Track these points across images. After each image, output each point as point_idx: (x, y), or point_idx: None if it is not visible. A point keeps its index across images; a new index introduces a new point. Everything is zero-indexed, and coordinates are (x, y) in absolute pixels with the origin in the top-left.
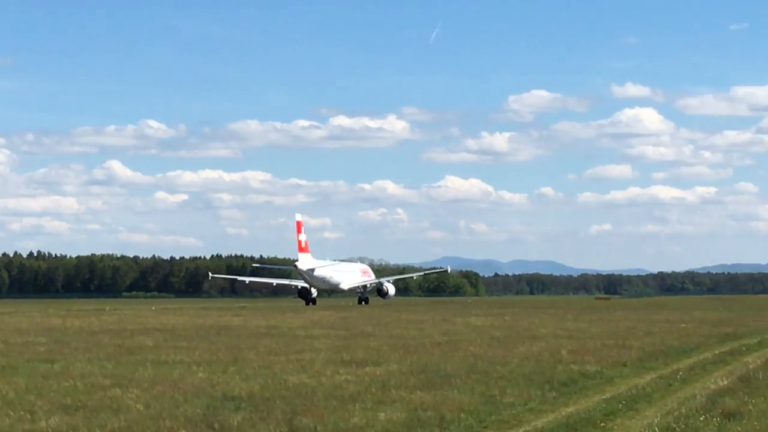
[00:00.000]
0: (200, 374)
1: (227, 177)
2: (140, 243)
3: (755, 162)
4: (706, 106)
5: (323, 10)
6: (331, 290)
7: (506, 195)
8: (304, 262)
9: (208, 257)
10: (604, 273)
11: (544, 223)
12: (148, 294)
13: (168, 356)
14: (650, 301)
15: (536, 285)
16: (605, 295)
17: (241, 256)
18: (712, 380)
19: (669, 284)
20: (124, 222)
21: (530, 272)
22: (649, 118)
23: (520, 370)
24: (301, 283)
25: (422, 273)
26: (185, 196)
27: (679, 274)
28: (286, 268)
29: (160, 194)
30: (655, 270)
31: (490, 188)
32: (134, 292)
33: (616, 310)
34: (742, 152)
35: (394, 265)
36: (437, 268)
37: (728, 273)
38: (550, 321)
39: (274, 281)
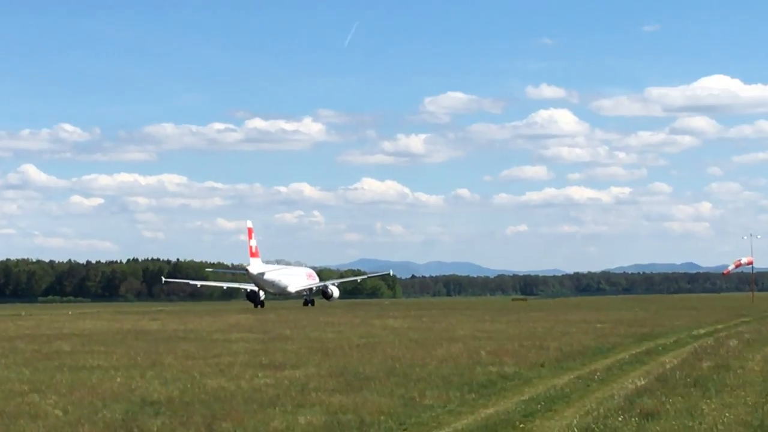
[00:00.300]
0: (118, 379)
1: (143, 180)
2: (56, 247)
3: (669, 162)
4: (621, 108)
5: (238, 12)
6: (279, 293)
7: (423, 197)
8: (255, 266)
9: (124, 261)
10: (521, 274)
11: (460, 225)
12: (65, 298)
13: (86, 361)
14: (566, 301)
15: (453, 286)
16: (522, 296)
17: (158, 259)
18: (630, 380)
19: (585, 284)
20: (40, 226)
21: (447, 274)
22: (564, 119)
23: (439, 372)
24: (250, 287)
25: (366, 276)
26: (101, 200)
27: (594, 274)
28: (239, 272)
29: (76, 198)
30: (570, 270)
31: (407, 190)
32: (50, 297)
33: (533, 311)
34: (656, 153)
35: (311, 267)
36: (381, 272)
37: (643, 273)
38: (468, 322)
39: (225, 285)
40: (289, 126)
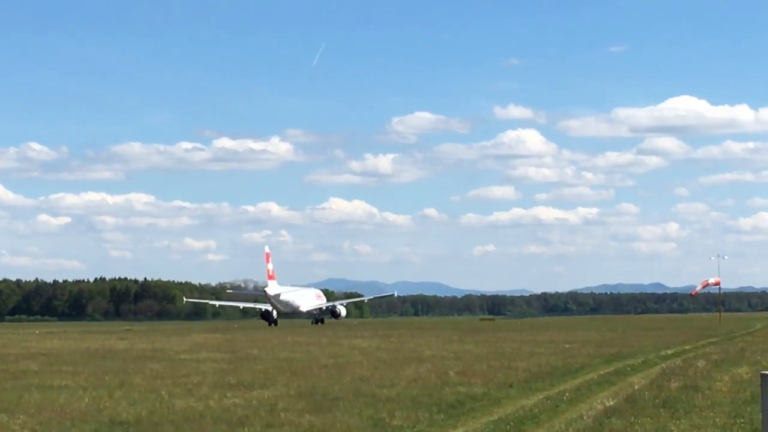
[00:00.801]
0: (87, 399)
1: (110, 199)
2: (22, 266)
3: (636, 183)
4: (588, 128)
5: (205, 32)
6: (292, 312)
7: (390, 216)
8: (272, 288)
9: (91, 280)
10: (488, 294)
11: (428, 245)
12: (31, 317)
13: (53, 381)
14: (534, 321)
15: (421, 306)
16: (489, 316)
17: (125, 278)
18: (599, 401)
19: (552, 305)
20: (6, 245)
21: (415, 293)
22: (532, 139)
23: (408, 392)
24: (265, 306)
25: (373, 297)
26: (68, 219)
27: (562, 294)
28: (257, 293)
29: (43, 217)
30: (538, 291)
31: (374, 210)
32: (17, 316)
33: (501, 331)
34: (623, 173)
35: None
36: (390, 294)
37: (611, 293)
38: (436, 342)
39: (241, 305)
40: (256, 145)
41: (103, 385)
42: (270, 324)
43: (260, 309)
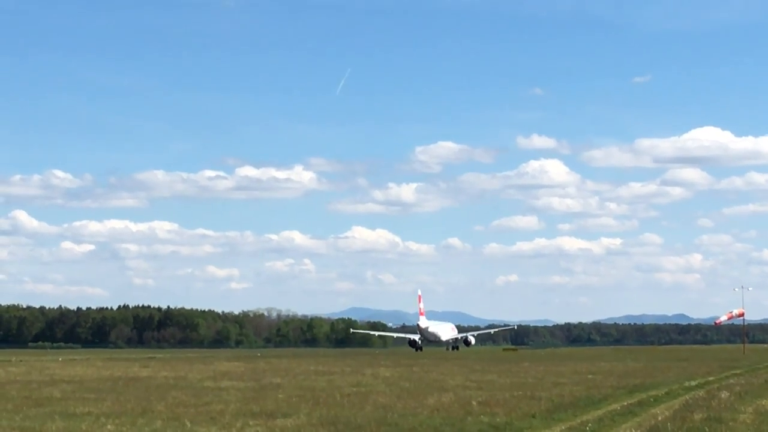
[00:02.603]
0: (109, 426)
1: (133, 227)
2: (46, 293)
3: (660, 214)
4: (611, 158)
5: (229, 59)
6: (434, 341)
7: (413, 246)
8: (423, 322)
9: (114, 308)
10: (511, 324)
11: (451, 274)
12: (55, 344)
13: (76, 408)
14: (557, 352)
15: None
16: (513, 346)
17: (148, 306)
18: None
19: (575, 335)
20: (30, 272)
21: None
22: (555, 169)
23: (430, 421)
24: (412, 336)
25: (496, 330)
26: (91, 246)
27: (585, 325)
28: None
29: (66, 244)
30: (561, 321)
31: (398, 239)
32: (40, 343)
33: (524, 361)
34: (646, 204)
35: (302, 315)
36: (508, 326)
37: (634, 324)
38: (459, 372)
39: (395, 335)
40: (279, 174)
41: (126, 413)
42: (416, 350)
43: (410, 338)
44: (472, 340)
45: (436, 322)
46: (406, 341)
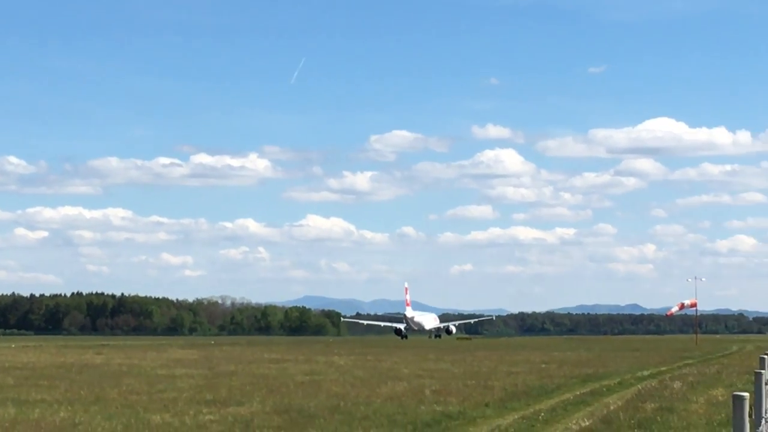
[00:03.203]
0: (62, 413)
1: (87, 214)
2: None
3: (614, 204)
4: (566, 148)
5: (184, 46)
6: (419, 330)
7: (368, 234)
8: (409, 312)
9: (68, 294)
10: (465, 313)
11: (405, 263)
12: (8, 332)
13: (29, 395)
14: (511, 341)
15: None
16: (466, 335)
17: (102, 293)
18: (574, 421)
19: (529, 324)
20: None
21: (392, 312)
22: (510, 159)
23: (384, 410)
24: (398, 325)
25: (473, 320)
26: (45, 233)
27: (539, 314)
28: (396, 316)
29: (20, 231)
30: (515, 310)
31: (352, 227)
32: None
33: (478, 350)
34: (600, 194)
35: (256, 303)
36: (485, 316)
37: (588, 314)
38: (413, 361)
39: (383, 323)
40: (234, 162)
41: (79, 400)
42: (402, 338)
43: (395, 327)
44: (453, 329)
45: (421, 313)
46: (393, 330)
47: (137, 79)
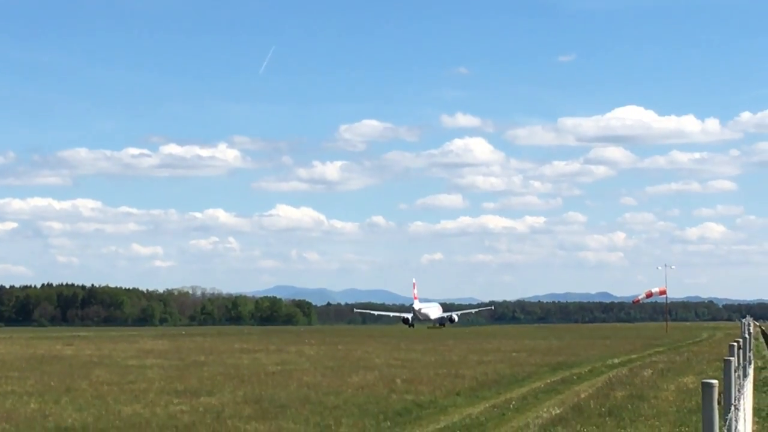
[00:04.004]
0: (32, 405)
1: (57, 205)
2: None
3: (583, 192)
4: (535, 137)
5: (153, 36)
6: (425, 320)
7: (338, 224)
8: (417, 304)
9: (38, 286)
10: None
11: (375, 252)
12: None
13: None
14: (481, 330)
15: (369, 314)
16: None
17: (72, 284)
18: (545, 409)
19: (500, 313)
20: None
21: (363, 301)
22: (479, 148)
23: (355, 399)
24: (405, 315)
25: (475, 309)
26: (14, 224)
27: (509, 303)
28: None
29: None
30: (486, 299)
31: (322, 217)
32: None
33: (448, 339)
34: (570, 182)
35: (226, 293)
36: (481, 308)
37: (558, 302)
38: (384, 350)
39: (392, 314)
40: (204, 152)
41: (49, 391)
42: (409, 326)
43: (403, 317)
44: (456, 318)
45: (427, 304)
46: (401, 320)
47: (105, 70)
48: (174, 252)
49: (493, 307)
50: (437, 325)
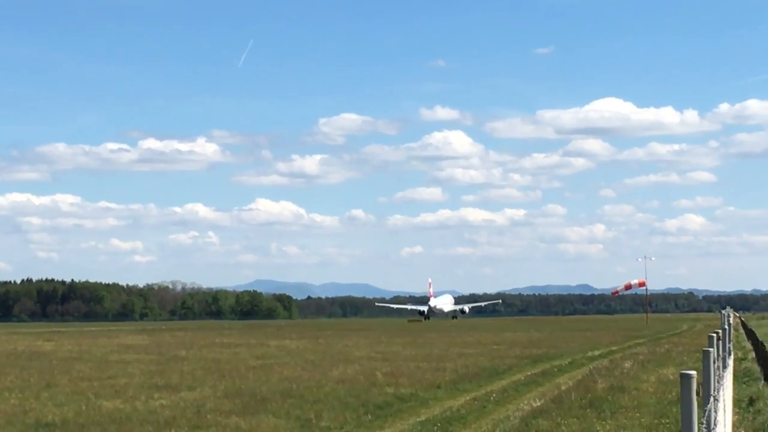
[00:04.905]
0: (12, 401)
1: (36, 200)
2: None
3: (563, 184)
4: (514, 129)
5: (131, 30)
6: (439, 313)
7: (317, 217)
8: (432, 302)
9: (18, 281)
10: (417, 295)
11: (355, 246)
12: None
13: None
14: (462, 322)
15: (349, 308)
16: (418, 318)
17: (52, 280)
18: (525, 401)
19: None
20: None
21: (343, 295)
22: (459, 141)
23: (336, 393)
24: (421, 308)
25: (484, 303)
26: None
27: (490, 295)
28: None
29: None
30: (466, 292)
31: (302, 210)
32: None
33: (429, 332)
34: (549, 175)
35: (207, 288)
36: (493, 302)
37: (538, 294)
38: (364, 344)
39: (409, 306)
40: (183, 146)
41: (30, 387)
42: (425, 319)
43: (419, 310)
44: (467, 310)
45: (440, 299)
46: (417, 312)
47: (83, 64)
48: (154, 247)
49: (500, 301)
50: (451, 317)
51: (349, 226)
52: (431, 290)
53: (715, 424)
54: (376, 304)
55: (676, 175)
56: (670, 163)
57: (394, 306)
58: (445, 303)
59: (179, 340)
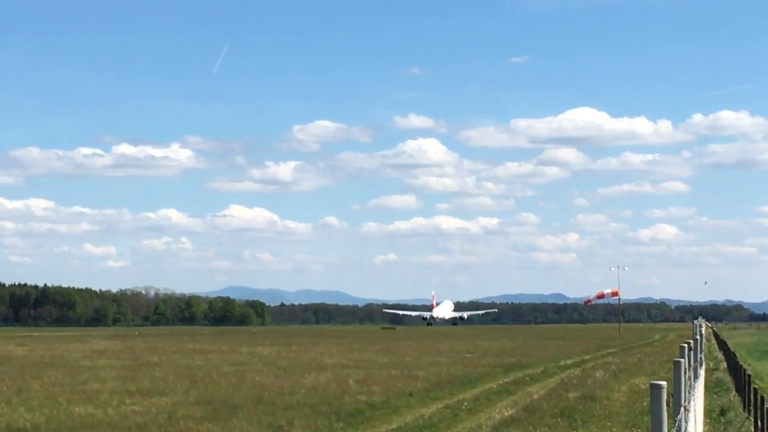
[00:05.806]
0: None
1: (9, 205)
2: None
3: (536, 193)
4: (488, 138)
5: (106, 36)
6: (441, 319)
7: (291, 224)
8: (434, 312)
9: None
10: (390, 303)
11: (329, 253)
12: None
13: None
14: (434, 330)
15: (322, 315)
16: (391, 325)
17: (25, 284)
18: (497, 410)
19: None
20: None
21: (316, 302)
22: (433, 149)
23: (307, 400)
24: (425, 314)
25: (483, 312)
26: None
27: (463, 304)
28: (424, 306)
29: None
30: (439, 299)
31: (275, 217)
32: None
33: (402, 340)
34: (523, 183)
35: (180, 294)
36: (489, 309)
37: (511, 303)
38: (337, 351)
39: (413, 313)
40: (157, 152)
41: (1, 392)
42: (428, 325)
43: (423, 316)
44: (466, 316)
45: (442, 308)
46: (421, 318)
47: (57, 69)
48: (127, 252)
49: (497, 310)
50: (452, 323)
51: (322, 233)
52: (434, 301)
53: None
54: (384, 310)
55: (649, 185)
56: (643, 173)
57: (400, 312)
58: (446, 311)
59: (152, 345)
